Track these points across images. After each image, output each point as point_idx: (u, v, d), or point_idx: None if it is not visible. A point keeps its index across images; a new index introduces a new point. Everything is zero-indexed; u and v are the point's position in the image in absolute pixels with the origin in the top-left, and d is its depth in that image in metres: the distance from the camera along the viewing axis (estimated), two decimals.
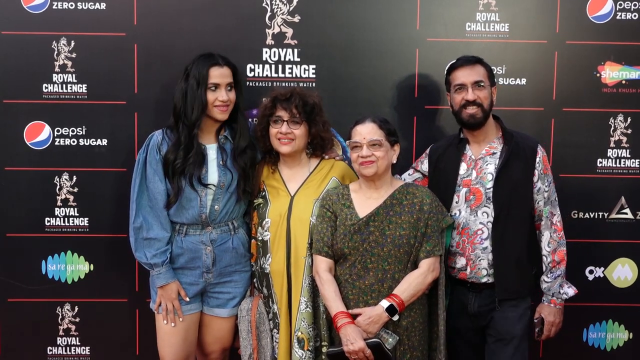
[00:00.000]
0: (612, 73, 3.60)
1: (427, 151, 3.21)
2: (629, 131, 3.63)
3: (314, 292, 3.00)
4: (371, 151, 2.87)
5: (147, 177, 3.08)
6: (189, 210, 3.07)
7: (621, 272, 3.70)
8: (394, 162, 2.98)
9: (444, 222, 2.94)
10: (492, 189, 2.98)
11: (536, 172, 3.01)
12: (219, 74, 3.07)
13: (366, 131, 2.90)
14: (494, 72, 3.18)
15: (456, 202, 3.03)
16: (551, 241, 3.04)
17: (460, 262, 3.02)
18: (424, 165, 3.18)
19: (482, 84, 2.99)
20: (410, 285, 2.85)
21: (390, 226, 2.88)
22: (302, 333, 2.98)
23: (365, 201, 2.95)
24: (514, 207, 2.98)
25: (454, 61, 3.09)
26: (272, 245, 3.04)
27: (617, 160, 3.64)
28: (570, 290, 3.09)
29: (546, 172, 3.04)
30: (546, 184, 3.03)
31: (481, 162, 3.03)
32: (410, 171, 3.26)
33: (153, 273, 3.10)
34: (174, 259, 3.10)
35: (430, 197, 2.94)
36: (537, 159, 3.02)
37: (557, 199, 3.09)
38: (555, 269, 3.04)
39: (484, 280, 3.00)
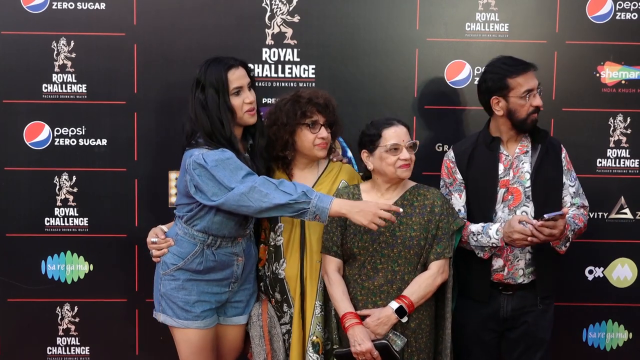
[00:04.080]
0: (611, 73, 3.60)
1: (451, 158, 3.07)
2: (629, 131, 3.63)
3: (327, 295, 2.96)
4: (409, 154, 2.86)
5: (232, 162, 2.76)
6: (237, 225, 2.90)
7: (621, 272, 3.70)
8: None
9: (455, 224, 2.92)
10: (530, 188, 2.96)
11: (563, 168, 3.03)
12: (238, 76, 2.86)
13: (403, 133, 2.87)
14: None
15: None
16: (575, 213, 3.00)
17: (497, 263, 2.97)
18: (458, 174, 3.05)
19: (540, 86, 2.98)
20: (419, 287, 2.83)
21: (401, 227, 2.87)
22: (317, 337, 2.94)
23: (376, 201, 2.91)
24: (550, 203, 2.95)
25: (497, 62, 2.98)
26: (286, 250, 3.01)
27: (617, 160, 3.64)
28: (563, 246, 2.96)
29: (570, 168, 3.05)
30: (571, 180, 3.04)
31: (517, 161, 3.00)
32: (452, 186, 3.08)
33: (313, 199, 2.69)
34: (205, 272, 2.92)
35: (441, 199, 2.93)
36: (562, 156, 3.04)
37: (584, 194, 3.09)
38: (572, 220, 2.95)
39: (520, 280, 2.97)
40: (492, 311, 3.00)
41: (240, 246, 2.97)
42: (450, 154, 3.10)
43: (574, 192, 3.04)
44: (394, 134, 2.85)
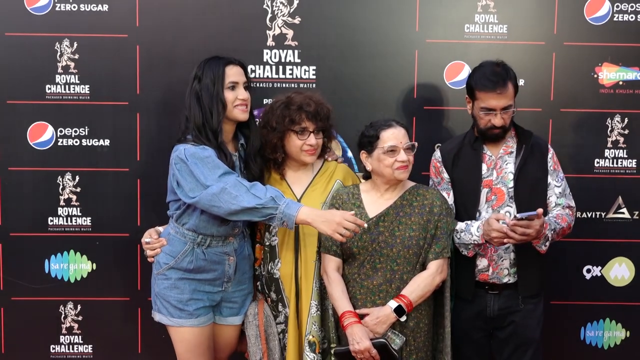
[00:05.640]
0: (609, 74, 3.63)
1: (438, 158, 3.10)
2: (626, 132, 3.66)
3: (323, 294, 2.99)
4: (407, 156, 2.88)
5: (211, 160, 2.80)
6: (220, 224, 2.92)
7: (618, 271, 3.72)
8: None
9: (453, 224, 2.95)
10: (513, 188, 2.96)
11: (548, 169, 3.02)
12: (235, 72, 2.94)
13: (401, 135, 2.88)
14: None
15: None
16: (559, 213, 2.99)
17: (482, 263, 2.99)
18: (444, 174, 3.08)
19: (510, 107, 2.94)
20: (418, 287, 2.84)
21: (400, 227, 2.89)
22: (313, 336, 2.95)
23: (375, 201, 2.95)
24: (534, 203, 2.92)
25: (480, 69, 2.98)
26: (281, 250, 3.03)
27: (614, 161, 3.67)
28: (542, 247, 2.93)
29: (556, 169, 3.03)
30: (557, 180, 3.02)
31: (500, 162, 3.01)
32: (440, 185, 3.11)
33: (281, 205, 2.73)
34: (196, 271, 2.94)
35: (440, 199, 2.95)
36: (549, 156, 3.02)
37: (570, 194, 3.08)
38: (553, 219, 2.94)
39: (505, 280, 2.98)
40: (479, 310, 3.02)
41: (232, 246, 2.99)
42: (437, 153, 3.13)
43: (560, 193, 3.02)
44: (391, 136, 2.87)
